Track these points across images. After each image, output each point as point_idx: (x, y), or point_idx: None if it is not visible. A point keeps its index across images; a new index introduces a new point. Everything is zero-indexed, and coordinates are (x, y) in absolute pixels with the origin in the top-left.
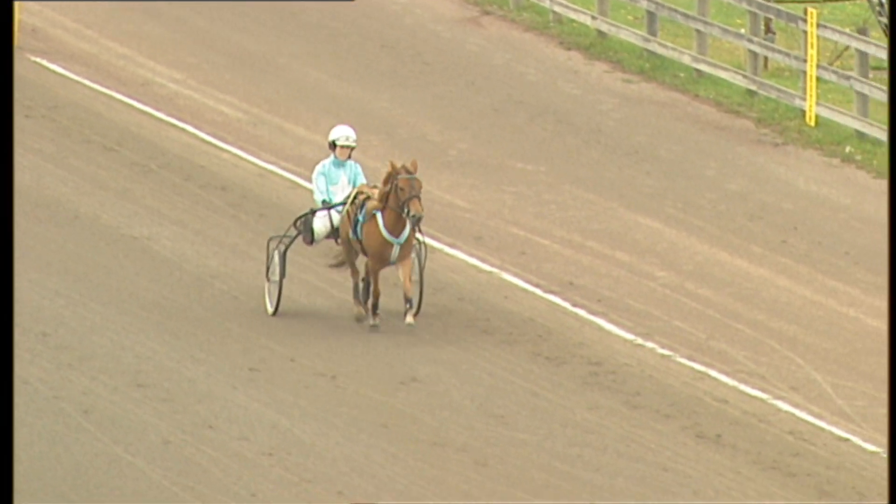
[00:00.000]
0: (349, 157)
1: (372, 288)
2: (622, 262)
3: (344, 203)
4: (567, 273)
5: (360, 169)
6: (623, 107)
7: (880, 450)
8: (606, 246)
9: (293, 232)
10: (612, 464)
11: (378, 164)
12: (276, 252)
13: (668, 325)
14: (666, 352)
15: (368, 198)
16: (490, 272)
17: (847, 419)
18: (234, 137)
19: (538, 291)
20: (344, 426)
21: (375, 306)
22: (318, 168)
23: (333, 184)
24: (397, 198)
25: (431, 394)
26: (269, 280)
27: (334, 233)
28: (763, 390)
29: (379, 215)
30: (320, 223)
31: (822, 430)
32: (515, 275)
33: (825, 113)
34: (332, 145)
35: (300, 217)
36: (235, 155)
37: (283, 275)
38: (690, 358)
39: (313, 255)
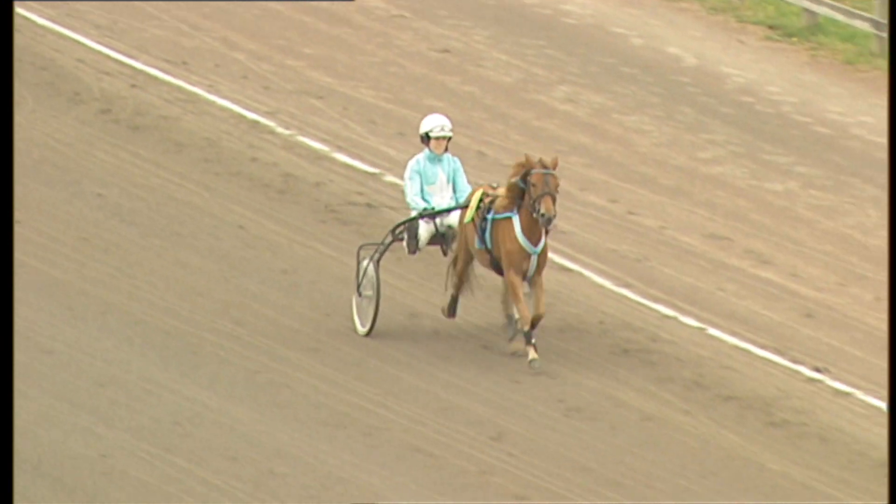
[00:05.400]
0: (446, 149)
1: (518, 310)
2: None
3: (456, 207)
4: None
5: (459, 164)
6: None
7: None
8: None
9: (388, 239)
10: None
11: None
12: (369, 263)
13: None
14: None
15: (494, 200)
16: None
17: None
18: None
19: None
20: None
21: (530, 336)
22: (412, 165)
23: (430, 183)
24: (529, 196)
25: None
26: (360, 295)
27: (438, 239)
28: None
29: (515, 218)
30: (425, 228)
31: None
32: None
33: None
34: (426, 138)
35: (401, 223)
36: None
37: (379, 289)
38: None
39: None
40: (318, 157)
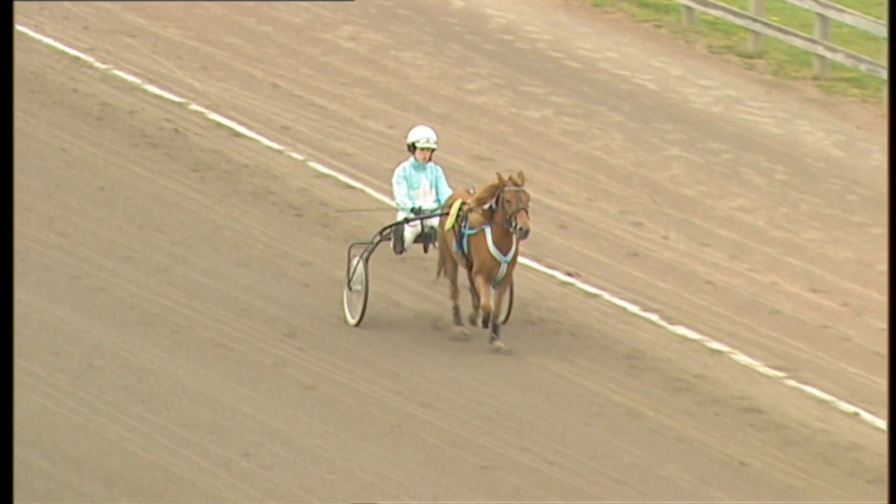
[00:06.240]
0: (429, 159)
1: (481, 303)
2: None
3: (437, 213)
4: None
5: (441, 172)
6: None
7: None
8: None
9: (377, 239)
10: None
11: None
12: (359, 260)
13: None
14: None
15: (471, 209)
16: None
17: None
18: None
19: None
20: None
21: (492, 325)
22: (399, 171)
23: (414, 188)
24: (504, 211)
25: None
26: (350, 289)
27: (422, 238)
28: None
29: (487, 230)
30: (409, 230)
31: None
32: None
33: None
34: (412, 147)
35: (389, 226)
36: None
37: (367, 284)
38: None
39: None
40: (131, 88)
